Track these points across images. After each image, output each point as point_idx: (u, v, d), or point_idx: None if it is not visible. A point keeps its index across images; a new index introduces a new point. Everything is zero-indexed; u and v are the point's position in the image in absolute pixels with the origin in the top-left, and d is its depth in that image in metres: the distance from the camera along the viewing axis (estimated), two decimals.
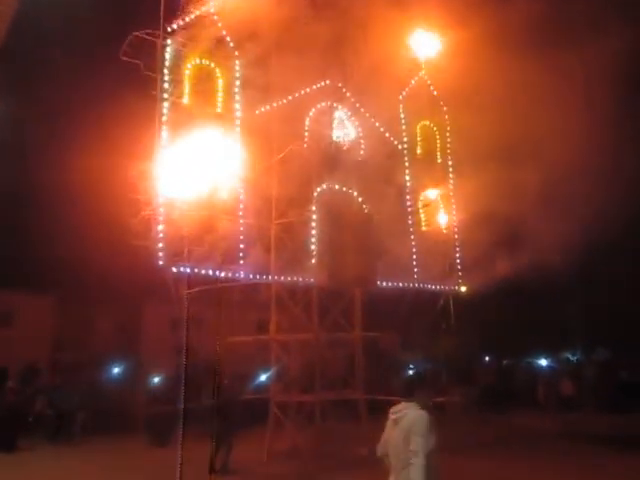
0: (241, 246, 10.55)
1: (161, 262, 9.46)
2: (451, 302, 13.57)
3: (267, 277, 11.15)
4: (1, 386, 15.28)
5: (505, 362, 25.74)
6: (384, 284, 12.31)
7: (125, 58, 10.75)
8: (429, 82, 14.06)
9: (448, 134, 13.94)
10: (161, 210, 9.64)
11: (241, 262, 10.51)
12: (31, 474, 11.12)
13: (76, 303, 24.20)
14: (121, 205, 10.40)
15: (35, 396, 16.53)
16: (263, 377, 14.28)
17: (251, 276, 10.82)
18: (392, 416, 4.49)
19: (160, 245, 9.45)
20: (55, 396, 16.12)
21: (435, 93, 14.09)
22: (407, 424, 4.31)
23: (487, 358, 26.32)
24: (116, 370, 19.75)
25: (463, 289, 13.73)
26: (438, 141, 13.89)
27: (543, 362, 25.28)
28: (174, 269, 9.78)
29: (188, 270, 9.76)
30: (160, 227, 9.52)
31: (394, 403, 4.68)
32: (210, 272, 10.18)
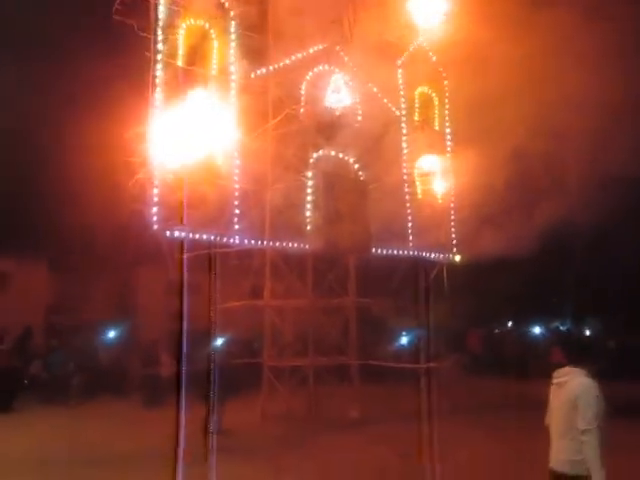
0: (236, 211, 10.47)
1: (155, 226, 9.39)
2: (445, 270, 13.63)
3: (262, 243, 11.12)
4: None
5: (496, 331, 26.07)
6: (379, 251, 12.31)
7: (117, 17, 10.47)
8: (428, 48, 13.78)
9: (447, 101, 13.74)
10: (155, 173, 9.52)
11: (236, 227, 10.45)
12: (28, 435, 11.28)
13: (71, 267, 24.17)
14: (115, 168, 10.29)
15: (30, 359, 16.66)
16: (258, 342, 14.42)
17: (246, 241, 10.77)
18: (554, 380, 4.17)
19: (154, 209, 9.36)
20: (50, 359, 16.24)
21: (434, 59, 13.84)
22: (572, 392, 3.97)
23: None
24: (111, 333, 19.88)
25: (457, 258, 13.77)
26: (437, 108, 13.71)
27: (537, 330, 25.58)
28: (168, 233, 9.73)
29: (183, 234, 9.70)
30: (155, 191, 9.42)
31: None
32: (204, 237, 10.13)
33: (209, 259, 10.08)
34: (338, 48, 12.19)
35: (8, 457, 9.31)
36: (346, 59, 12.29)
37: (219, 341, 13.09)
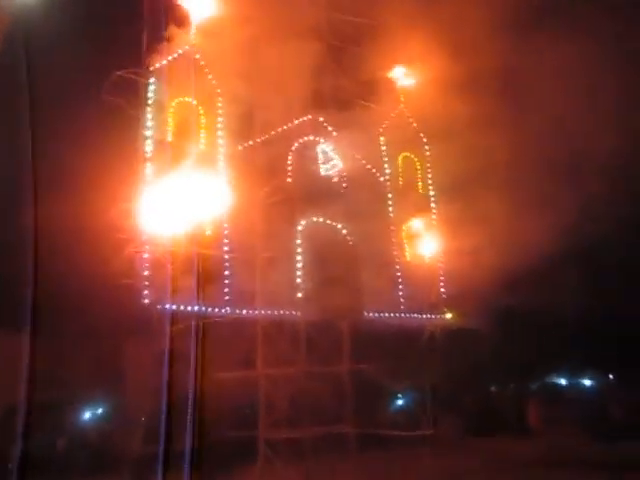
0: (226, 281, 10.53)
1: (146, 300, 9.39)
2: (437, 330, 13.62)
3: (253, 311, 11.10)
4: None
5: (492, 388, 25.63)
6: (370, 315, 12.34)
7: (108, 97, 10.84)
8: (408, 114, 14.31)
9: (429, 165, 14.15)
10: (146, 248, 9.61)
11: (226, 297, 10.47)
12: None
13: (55, 340, 23.65)
14: (104, 243, 10.35)
15: (13, 441, 16.04)
16: (250, 413, 14.06)
17: (237, 311, 10.78)
18: None
19: (145, 283, 9.39)
20: (33, 440, 15.63)
21: (415, 125, 14.33)
22: None
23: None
24: (97, 409, 19.27)
25: (449, 316, 13.80)
26: (419, 172, 14.10)
27: (562, 381, 24.87)
28: (159, 307, 9.72)
29: (174, 307, 9.69)
30: (145, 265, 9.47)
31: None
32: (196, 308, 10.12)
33: (196, 330, 10.03)
34: (322, 119, 12.62)
35: None
36: (330, 129, 12.71)
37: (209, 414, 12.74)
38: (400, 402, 22.15)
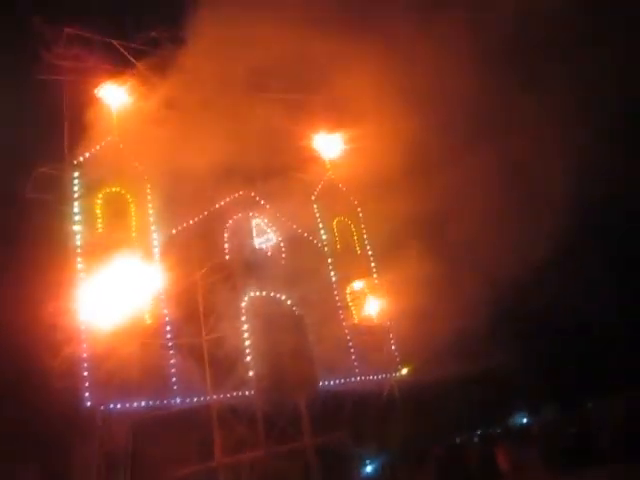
0: (172, 370, 10.13)
1: (89, 403, 8.87)
2: (395, 388, 13.50)
3: (204, 398, 10.66)
4: None
5: (457, 440, 25.34)
6: (326, 383, 12.10)
7: (32, 195, 10.62)
8: (337, 180, 14.67)
9: (363, 226, 14.44)
10: (84, 346, 9.17)
11: (174, 387, 10.05)
12: None
13: None
14: (39, 345, 9.80)
15: None
16: None
17: (188, 400, 10.33)
18: None
19: (86, 384, 8.90)
20: None
21: (344, 189, 14.68)
22: None
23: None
24: None
25: (404, 371, 13.75)
26: (355, 234, 14.33)
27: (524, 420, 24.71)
28: (102, 407, 9.21)
29: (118, 406, 9.19)
30: (84, 365, 9.01)
31: None
32: (143, 403, 9.64)
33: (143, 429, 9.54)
34: (253, 193, 12.75)
35: None
36: (262, 202, 12.84)
37: None
38: (369, 468, 21.46)
